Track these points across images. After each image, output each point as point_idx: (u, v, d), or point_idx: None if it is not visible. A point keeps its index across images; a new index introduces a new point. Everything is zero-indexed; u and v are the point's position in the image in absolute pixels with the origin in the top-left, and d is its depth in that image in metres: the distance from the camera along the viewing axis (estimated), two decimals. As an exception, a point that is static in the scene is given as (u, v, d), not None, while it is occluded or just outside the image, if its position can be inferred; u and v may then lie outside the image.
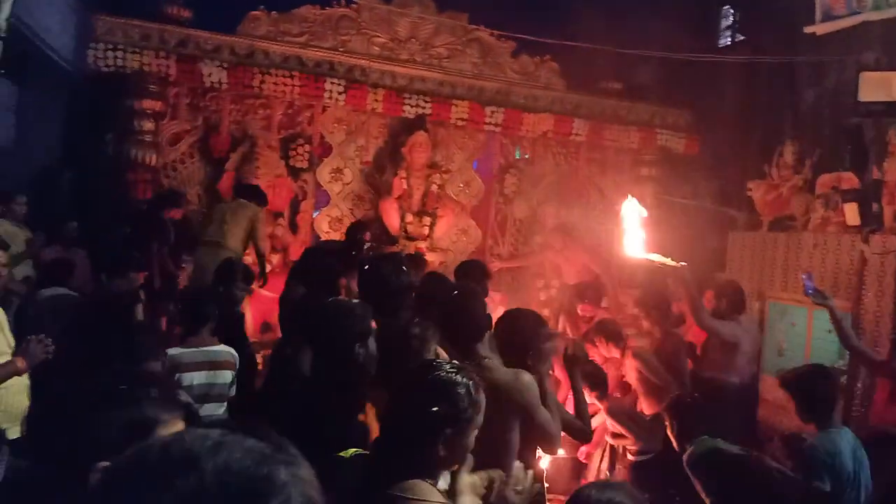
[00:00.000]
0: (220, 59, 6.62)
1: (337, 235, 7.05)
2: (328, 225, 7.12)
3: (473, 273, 4.05)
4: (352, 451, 1.86)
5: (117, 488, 0.72)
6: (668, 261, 4.52)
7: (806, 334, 6.60)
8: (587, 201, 7.43)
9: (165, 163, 6.72)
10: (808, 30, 6.54)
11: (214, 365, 3.51)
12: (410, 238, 6.79)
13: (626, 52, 7.16)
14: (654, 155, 7.63)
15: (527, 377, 2.68)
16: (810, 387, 3.27)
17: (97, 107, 6.49)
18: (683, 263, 4.55)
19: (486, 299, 3.42)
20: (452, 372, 1.73)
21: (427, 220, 6.86)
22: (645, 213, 4.53)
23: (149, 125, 6.52)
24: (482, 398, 1.78)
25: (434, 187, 7.07)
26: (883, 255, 5.90)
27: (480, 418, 1.77)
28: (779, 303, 6.86)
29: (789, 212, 6.87)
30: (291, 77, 6.77)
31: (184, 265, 5.84)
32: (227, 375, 3.55)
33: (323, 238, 7.02)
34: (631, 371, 4.53)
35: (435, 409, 1.63)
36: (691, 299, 4.61)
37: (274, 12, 6.93)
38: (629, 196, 4.67)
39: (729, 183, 7.57)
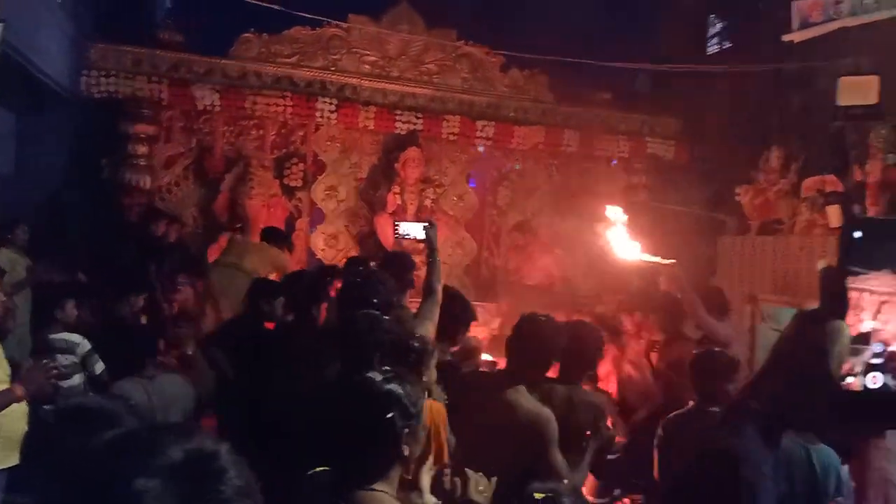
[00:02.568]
0: (213, 82, 6.71)
1: (332, 253, 7.13)
2: (324, 242, 7.19)
3: (394, 267, 4.11)
4: (319, 469, 1.94)
5: None
6: (659, 259, 4.64)
7: (797, 335, 6.72)
8: (580, 211, 7.51)
9: (160, 186, 6.79)
10: (786, 38, 6.69)
11: None
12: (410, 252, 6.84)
13: (615, 64, 7.29)
14: (644, 163, 7.76)
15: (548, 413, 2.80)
16: (700, 366, 3.34)
17: (93, 132, 6.55)
18: (673, 261, 4.67)
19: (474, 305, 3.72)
20: (390, 379, 1.85)
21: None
22: (625, 218, 4.66)
23: (142, 149, 6.60)
24: (420, 391, 1.94)
25: (428, 202, 7.17)
26: (869, 255, 6.04)
27: (424, 409, 1.93)
28: (770, 305, 6.98)
29: (777, 215, 7.01)
30: (283, 97, 6.86)
31: (180, 287, 5.86)
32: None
33: (318, 255, 7.10)
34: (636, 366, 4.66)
35: (390, 415, 1.76)
36: (687, 295, 4.67)
37: (265, 34, 7.03)
38: (613, 205, 4.81)
39: (718, 188, 7.70)
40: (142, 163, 6.60)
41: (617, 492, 4.08)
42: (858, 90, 6.64)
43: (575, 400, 3.13)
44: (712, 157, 7.77)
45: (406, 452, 1.80)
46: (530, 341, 3.02)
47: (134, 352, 3.85)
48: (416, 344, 2.72)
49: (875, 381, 2.19)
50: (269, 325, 4.32)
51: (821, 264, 4.25)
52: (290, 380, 3.22)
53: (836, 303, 2.21)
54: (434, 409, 2.66)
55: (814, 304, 6.43)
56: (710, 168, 7.78)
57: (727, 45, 8.27)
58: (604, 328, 5.39)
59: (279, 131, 7.14)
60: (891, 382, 3.18)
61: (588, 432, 3.10)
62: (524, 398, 2.89)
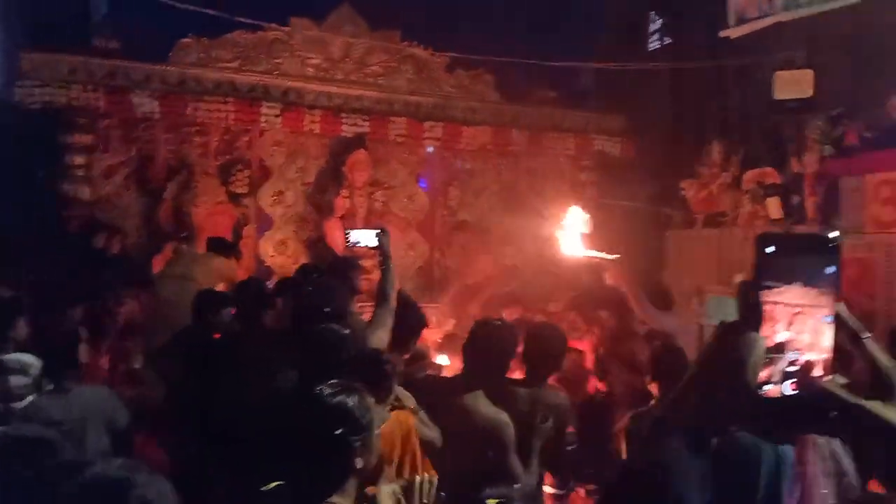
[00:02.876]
0: (152, 89, 6.55)
1: (282, 259, 7.05)
2: (273, 249, 7.10)
3: (340, 273, 4.10)
4: (273, 484, 1.93)
5: None
6: (603, 255, 4.70)
7: (744, 325, 6.87)
8: (530, 209, 7.56)
9: (100, 196, 6.61)
10: (723, 34, 6.83)
11: None
12: (356, 257, 6.80)
13: (559, 63, 7.35)
14: (591, 160, 7.84)
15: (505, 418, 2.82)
16: (657, 362, 3.41)
17: (29, 143, 6.35)
18: (618, 256, 4.73)
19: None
20: (339, 391, 1.84)
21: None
22: (580, 216, 4.71)
23: (81, 159, 6.42)
24: (369, 400, 1.92)
25: (377, 204, 7.14)
26: (808, 245, 6.20)
27: (375, 418, 1.92)
28: (716, 296, 7.13)
29: (720, 208, 7.17)
30: (226, 103, 6.73)
31: (124, 301, 5.73)
32: None
33: (268, 262, 7.01)
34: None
35: (340, 430, 1.77)
36: (632, 288, 4.74)
37: (204, 38, 6.89)
38: (564, 203, 4.85)
39: (664, 183, 7.83)
40: (80, 173, 6.42)
41: (572, 483, 4.14)
42: (794, 84, 6.82)
43: (538, 401, 3.14)
44: (658, 152, 7.89)
45: (360, 465, 1.80)
46: (485, 345, 3.03)
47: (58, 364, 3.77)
48: (386, 365, 2.72)
49: (793, 388, 2.26)
50: (216, 335, 4.26)
51: (737, 278, 4.41)
52: (240, 390, 3.17)
53: (752, 315, 2.27)
54: (401, 419, 2.65)
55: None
56: (655, 163, 7.91)
57: (667, 41, 8.40)
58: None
59: (222, 137, 7.01)
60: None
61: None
62: (482, 403, 2.90)
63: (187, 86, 6.69)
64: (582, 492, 4.12)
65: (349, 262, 4.38)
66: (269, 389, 2.91)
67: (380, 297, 3.47)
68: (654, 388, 3.49)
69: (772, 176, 6.82)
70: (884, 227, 5.70)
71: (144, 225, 6.67)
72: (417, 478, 2.30)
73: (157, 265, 6.14)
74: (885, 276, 5.52)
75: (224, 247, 6.03)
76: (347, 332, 2.80)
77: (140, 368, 5.52)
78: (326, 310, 3.08)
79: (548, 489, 3.55)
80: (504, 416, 2.87)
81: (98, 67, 6.41)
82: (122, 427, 3.60)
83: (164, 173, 6.74)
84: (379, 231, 3.80)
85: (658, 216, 7.73)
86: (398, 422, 2.64)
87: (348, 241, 4.04)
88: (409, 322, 3.50)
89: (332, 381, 1.89)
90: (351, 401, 1.82)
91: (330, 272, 4.20)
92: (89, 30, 6.85)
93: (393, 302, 3.46)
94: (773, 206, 6.63)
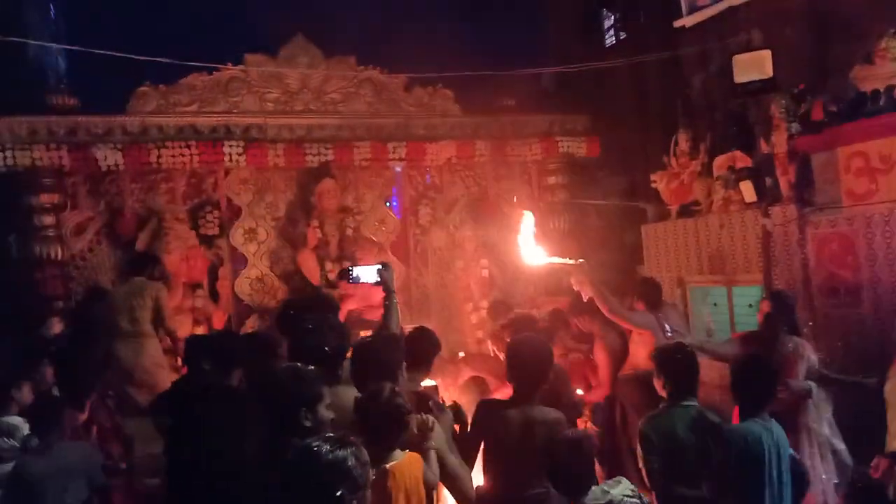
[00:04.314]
0: (114, 141, 6.59)
1: (260, 296, 7.05)
2: (249, 287, 7.10)
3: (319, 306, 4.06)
4: None
5: None
6: (567, 260, 4.68)
7: (728, 312, 6.80)
8: (501, 219, 7.53)
9: (73, 254, 6.65)
10: (677, 23, 6.79)
11: None
12: (333, 286, 6.80)
13: (516, 70, 7.34)
14: (558, 163, 7.78)
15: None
16: (665, 363, 3.38)
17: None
18: (581, 260, 4.71)
19: None
20: (336, 447, 1.77)
21: (347, 264, 6.87)
22: (533, 222, 4.70)
23: (49, 219, 6.47)
24: (366, 454, 1.85)
25: (349, 231, 7.12)
26: (784, 225, 6.13)
27: (371, 473, 1.87)
28: (698, 286, 7.06)
29: (694, 197, 7.10)
30: (188, 147, 6.75)
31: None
32: None
33: (246, 301, 7.02)
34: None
35: (339, 492, 1.70)
36: (597, 291, 4.71)
37: (161, 85, 6.93)
38: (529, 209, 4.84)
39: (635, 178, 7.78)
40: (50, 233, 6.46)
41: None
42: (753, 66, 6.76)
43: (532, 420, 3.17)
44: (625, 148, 7.84)
45: None
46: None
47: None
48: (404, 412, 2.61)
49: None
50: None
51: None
52: (233, 444, 3.13)
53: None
54: (411, 463, 2.57)
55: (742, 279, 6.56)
56: (624, 159, 7.86)
57: (623, 35, 8.36)
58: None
59: (189, 181, 7.04)
60: None
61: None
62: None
63: (149, 134, 6.73)
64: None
65: (326, 300, 4.29)
66: (263, 444, 2.85)
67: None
68: (658, 386, 3.47)
69: (742, 160, 6.75)
70: (860, 198, 5.62)
71: (119, 278, 6.68)
72: None
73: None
74: (867, 248, 5.43)
75: (144, 265, 6.00)
76: (301, 367, 2.65)
77: (120, 422, 5.58)
78: (326, 349, 3.02)
79: None
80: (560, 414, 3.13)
81: (58, 125, 6.46)
82: (100, 482, 3.73)
83: (134, 224, 6.77)
84: (380, 266, 3.75)
85: (632, 211, 7.67)
86: (410, 468, 2.55)
87: (350, 278, 3.93)
88: (424, 346, 3.52)
89: (328, 436, 1.82)
90: (350, 455, 1.75)
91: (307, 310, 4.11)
92: (46, 90, 6.90)
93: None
94: (747, 190, 6.56)
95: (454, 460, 2.90)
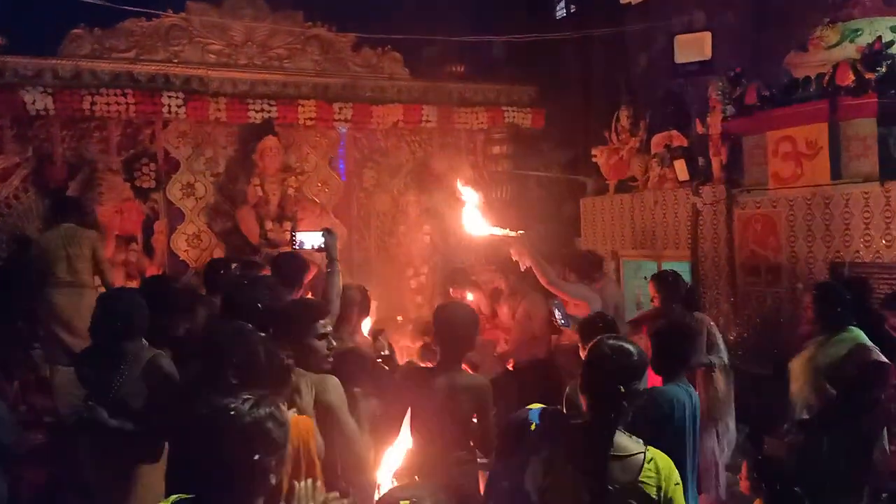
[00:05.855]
0: (43, 85, 6.29)
1: (196, 253, 6.92)
2: (186, 243, 6.95)
3: (285, 271, 3.96)
4: (173, 497, 1.85)
5: None
6: (507, 231, 4.75)
7: (658, 286, 7.07)
8: (445, 186, 7.58)
9: (-2, 200, 6.36)
10: (623, 1, 6.91)
11: None
12: (273, 245, 6.73)
13: (466, 37, 7.33)
14: (503, 132, 7.86)
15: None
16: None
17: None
18: (521, 232, 4.79)
19: None
20: (253, 409, 1.72)
21: (287, 224, 6.81)
22: (477, 196, 4.74)
23: (-28, 164, 6.15)
24: (285, 415, 1.83)
25: (291, 190, 7.03)
26: (714, 204, 6.38)
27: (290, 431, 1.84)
28: (631, 260, 7.30)
29: (631, 173, 7.30)
30: (125, 95, 6.51)
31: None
32: None
33: (182, 257, 6.88)
34: None
35: (257, 456, 1.68)
36: (535, 262, 4.78)
37: (97, 28, 6.63)
38: (470, 178, 4.88)
39: (577, 151, 7.93)
40: (-27, 178, 6.18)
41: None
42: (693, 47, 6.97)
43: (456, 386, 3.16)
44: (569, 121, 7.97)
45: (273, 481, 1.72)
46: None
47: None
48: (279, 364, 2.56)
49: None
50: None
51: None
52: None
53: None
54: (301, 425, 2.52)
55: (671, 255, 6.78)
56: (568, 132, 7.99)
57: (573, 9, 8.46)
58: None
59: (124, 131, 6.79)
60: None
61: (475, 416, 3.17)
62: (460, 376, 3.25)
63: (82, 79, 6.46)
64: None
65: (296, 261, 4.03)
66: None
67: (324, 300, 3.40)
68: (582, 354, 3.54)
69: (678, 139, 6.96)
70: (784, 182, 5.83)
71: (47, 227, 6.42)
72: (299, 484, 2.19)
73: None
74: (788, 230, 5.68)
75: (74, 211, 5.74)
76: (246, 326, 2.63)
77: (48, 376, 5.43)
78: (259, 306, 2.98)
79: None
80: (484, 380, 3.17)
81: (-17, 65, 6.12)
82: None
83: (64, 172, 6.49)
84: (325, 231, 3.68)
85: (572, 184, 7.84)
86: (298, 431, 2.47)
87: (293, 243, 3.87)
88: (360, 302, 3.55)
89: (245, 396, 1.74)
90: (268, 417, 1.71)
91: (273, 270, 4.01)
92: (-29, 27, 6.50)
93: (336, 308, 3.44)
94: (680, 168, 6.77)
95: (353, 424, 2.87)
